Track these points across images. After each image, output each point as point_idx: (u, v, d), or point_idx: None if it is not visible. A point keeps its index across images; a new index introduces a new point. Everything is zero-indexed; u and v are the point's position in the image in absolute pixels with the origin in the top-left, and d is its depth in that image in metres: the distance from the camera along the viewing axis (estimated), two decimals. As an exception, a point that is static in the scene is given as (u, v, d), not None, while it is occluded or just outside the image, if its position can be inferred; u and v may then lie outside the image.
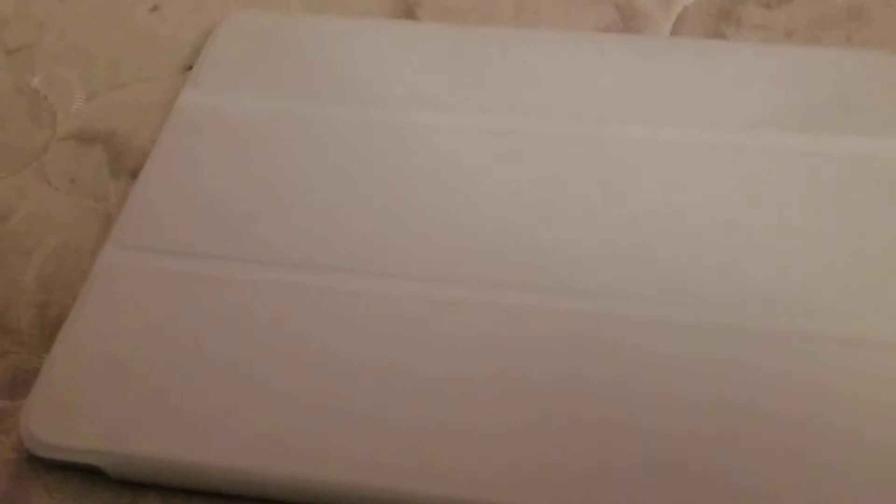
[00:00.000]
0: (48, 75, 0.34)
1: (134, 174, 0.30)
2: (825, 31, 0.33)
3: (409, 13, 0.36)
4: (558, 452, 0.22)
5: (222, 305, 0.26)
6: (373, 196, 0.28)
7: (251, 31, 0.33)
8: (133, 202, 0.28)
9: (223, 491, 0.23)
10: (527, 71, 0.31)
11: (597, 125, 0.29)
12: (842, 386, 0.23)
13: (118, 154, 0.31)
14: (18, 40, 0.35)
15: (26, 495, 0.23)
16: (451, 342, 0.24)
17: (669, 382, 0.23)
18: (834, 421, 0.22)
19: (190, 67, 0.33)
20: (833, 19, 0.34)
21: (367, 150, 0.29)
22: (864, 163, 0.28)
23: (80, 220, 0.29)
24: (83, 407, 0.24)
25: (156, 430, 0.23)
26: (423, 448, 0.22)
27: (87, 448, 0.23)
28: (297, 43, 0.33)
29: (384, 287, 0.26)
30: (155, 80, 0.34)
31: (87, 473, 0.23)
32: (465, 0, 0.36)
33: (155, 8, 0.36)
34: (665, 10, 0.35)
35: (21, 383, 0.25)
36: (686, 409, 0.23)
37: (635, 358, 0.24)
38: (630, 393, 0.23)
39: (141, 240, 0.27)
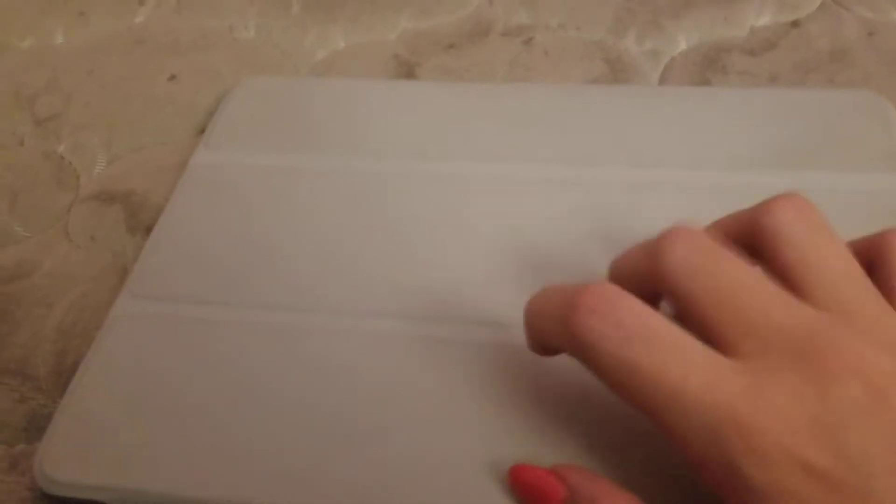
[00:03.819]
0: (74, 142, 0.36)
1: (149, 230, 0.32)
2: (808, 75, 0.34)
3: (410, 74, 0.37)
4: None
5: (225, 348, 0.26)
6: (375, 241, 0.29)
7: (261, 95, 0.35)
8: (146, 254, 0.30)
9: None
10: (521, 121, 0.33)
11: (588, 169, 0.31)
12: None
13: (135, 212, 0.33)
14: (48, 111, 0.38)
15: (39, 532, 0.24)
16: (456, 378, 0.25)
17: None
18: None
19: (203, 130, 0.35)
20: (816, 62, 0.35)
21: (369, 199, 0.31)
22: (845, 197, 0.28)
23: (99, 274, 0.31)
24: (91, 446, 0.25)
25: (157, 467, 0.24)
26: (422, 478, 0.23)
27: (92, 484, 0.24)
28: (304, 103, 0.35)
29: (388, 327, 0.26)
30: (171, 143, 0.36)
31: (95, 510, 0.24)
32: (462, 59, 0.38)
33: (173, 77, 0.39)
34: (653, 62, 0.36)
35: (38, 428, 0.26)
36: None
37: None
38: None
39: (153, 289, 0.29)
